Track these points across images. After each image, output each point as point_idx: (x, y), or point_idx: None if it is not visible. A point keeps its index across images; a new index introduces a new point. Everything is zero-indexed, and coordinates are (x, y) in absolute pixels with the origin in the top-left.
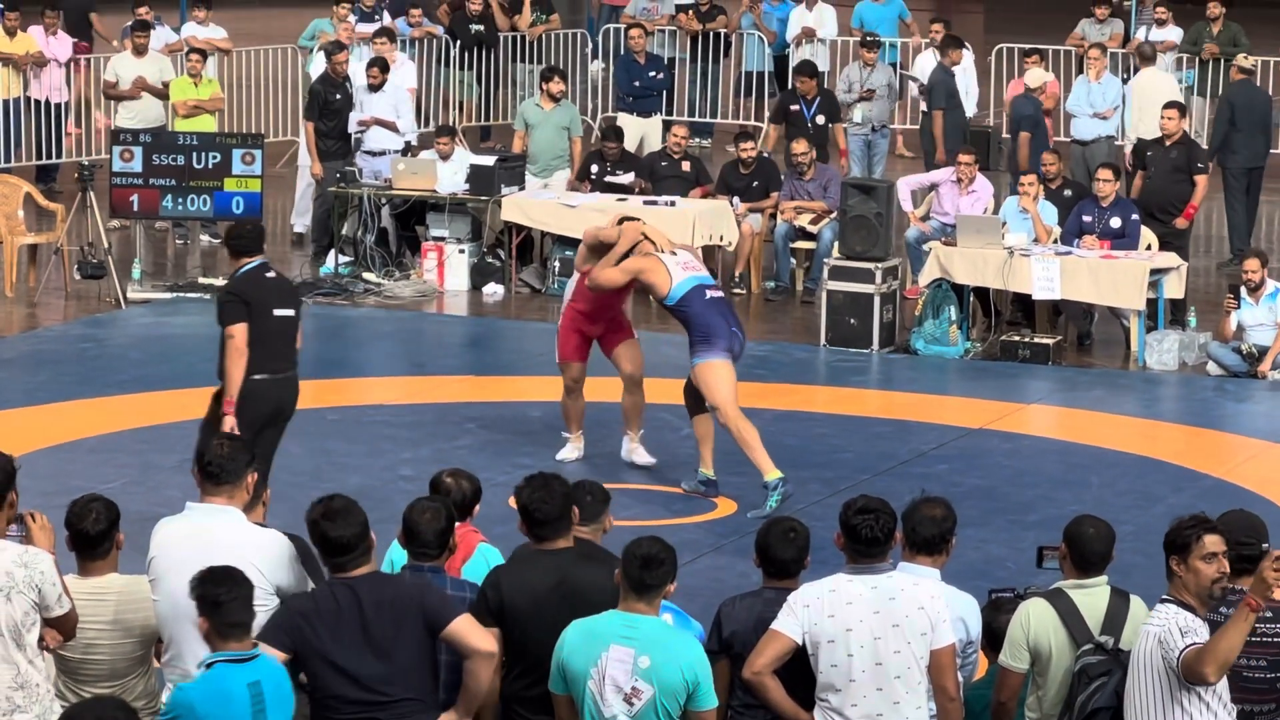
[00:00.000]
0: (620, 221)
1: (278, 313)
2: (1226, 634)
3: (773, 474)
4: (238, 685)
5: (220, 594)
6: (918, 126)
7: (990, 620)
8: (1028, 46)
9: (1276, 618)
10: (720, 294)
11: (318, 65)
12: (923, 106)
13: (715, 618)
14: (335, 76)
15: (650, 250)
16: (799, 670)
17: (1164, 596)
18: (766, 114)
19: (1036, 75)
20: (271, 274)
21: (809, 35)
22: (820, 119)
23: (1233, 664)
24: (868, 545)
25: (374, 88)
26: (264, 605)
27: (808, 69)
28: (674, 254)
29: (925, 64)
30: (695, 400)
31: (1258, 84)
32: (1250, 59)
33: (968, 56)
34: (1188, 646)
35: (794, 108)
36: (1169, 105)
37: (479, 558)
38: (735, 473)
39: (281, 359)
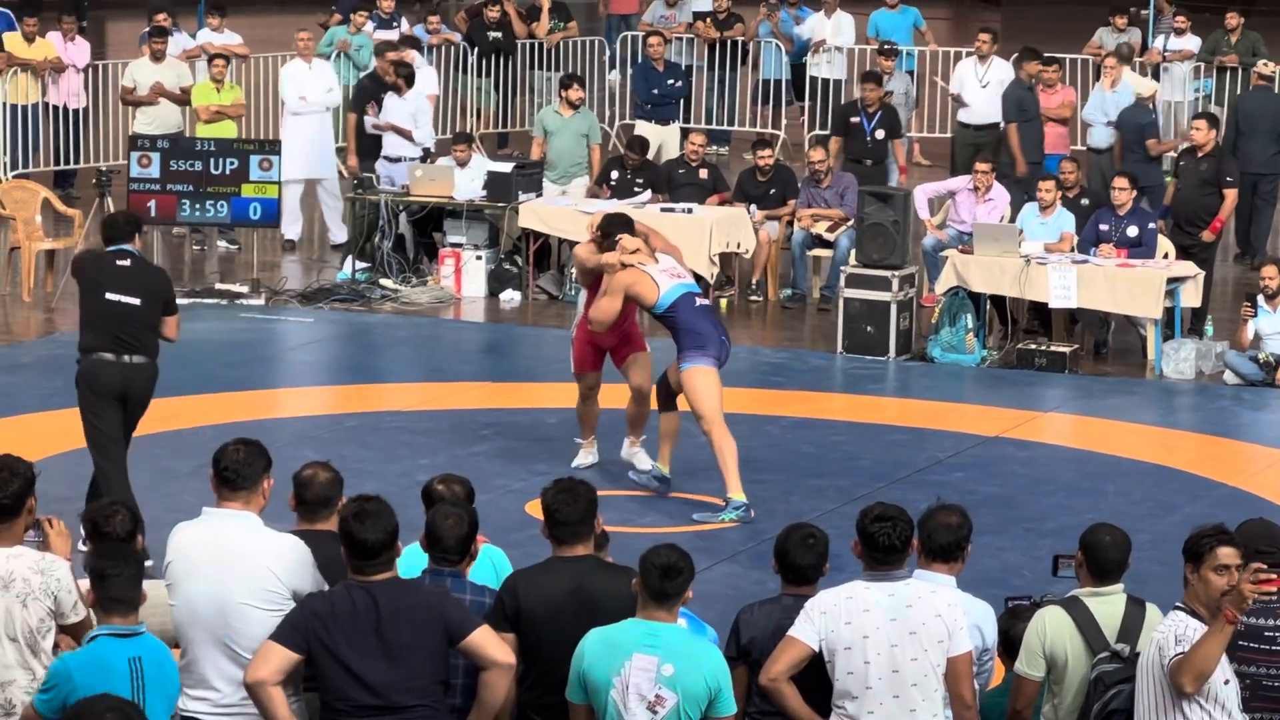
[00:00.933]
0: (601, 224)
1: (110, 296)
2: (1204, 645)
3: (739, 495)
4: (117, 658)
5: (106, 568)
6: (935, 134)
7: (1007, 628)
8: (1045, 55)
9: None
10: (707, 301)
11: (313, 74)
12: (961, 116)
13: (734, 624)
14: (383, 75)
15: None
16: (816, 677)
17: (1177, 604)
18: (784, 120)
19: (1148, 84)
20: (125, 262)
21: (814, 32)
22: (880, 133)
23: (1237, 672)
24: (885, 553)
25: (391, 85)
26: (279, 610)
27: (875, 77)
28: (656, 261)
29: (964, 72)
30: (667, 397)
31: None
32: (1271, 66)
33: (1003, 66)
34: (1175, 655)
35: (854, 120)
36: (1198, 116)
37: (484, 559)
38: (752, 480)
39: (121, 343)
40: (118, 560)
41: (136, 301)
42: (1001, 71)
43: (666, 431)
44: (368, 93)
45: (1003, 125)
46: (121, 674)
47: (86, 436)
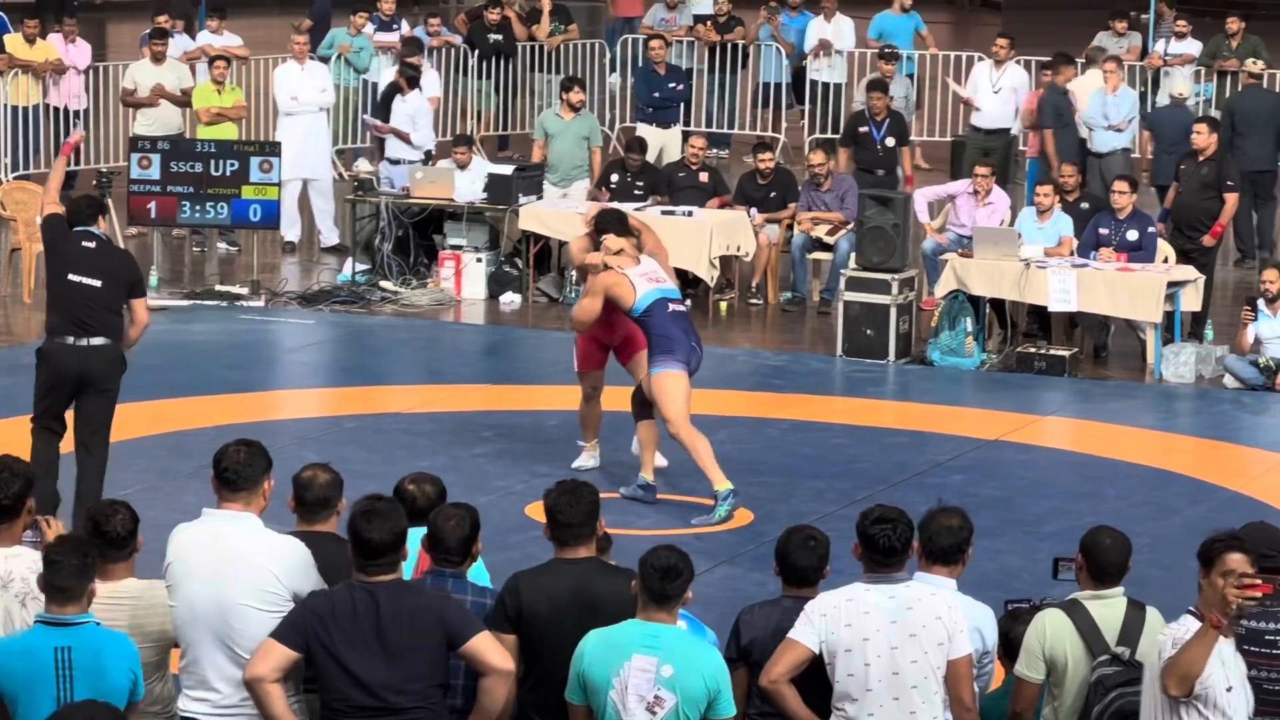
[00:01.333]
0: (595, 219)
1: (72, 277)
2: (1188, 648)
3: (723, 484)
4: (44, 646)
5: (53, 553)
6: (936, 138)
7: (1006, 630)
8: (1045, 58)
9: None
10: (683, 308)
11: (306, 74)
12: (973, 119)
13: (734, 626)
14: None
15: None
16: (816, 679)
17: (1190, 608)
18: (784, 124)
19: (1184, 84)
20: (90, 244)
21: (826, 48)
22: (890, 141)
23: (1199, 677)
24: (885, 555)
25: (398, 88)
26: (279, 611)
27: (880, 85)
28: (638, 262)
29: (978, 76)
30: (641, 406)
31: (1274, 91)
32: (1259, 64)
33: (1016, 72)
34: (1168, 658)
35: (863, 129)
36: (1199, 120)
37: None
38: (752, 482)
39: (81, 325)
40: (68, 549)
41: (97, 284)
42: (1014, 77)
43: (646, 440)
44: (387, 99)
45: (1014, 131)
46: (45, 663)
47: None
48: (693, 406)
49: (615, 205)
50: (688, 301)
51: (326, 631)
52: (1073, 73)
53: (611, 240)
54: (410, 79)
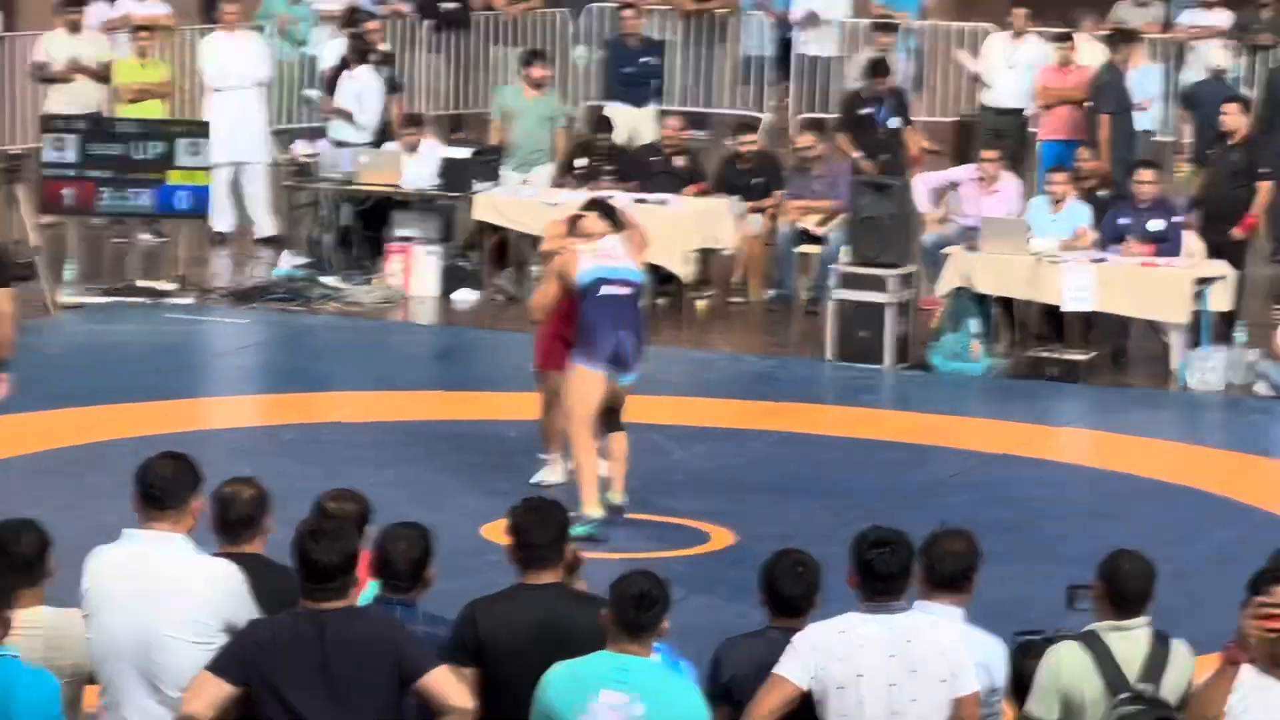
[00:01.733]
0: (583, 204)
1: None
2: (1205, 686)
3: (594, 510)
4: None
5: None
6: (936, 118)
7: (1017, 666)
8: (1059, 31)
9: None
10: (620, 290)
11: (237, 46)
12: (983, 98)
13: (713, 659)
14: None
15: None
16: (805, 719)
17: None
18: (769, 102)
19: (1222, 55)
20: None
21: (814, 19)
22: (893, 122)
23: (1218, 717)
24: (883, 582)
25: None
26: (209, 643)
27: (882, 68)
28: (604, 239)
29: (992, 50)
30: (607, 412)
31: None
32: None
33: (1036, 47)
34: None
35: (863, 111)
36: (1227, 100)
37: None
38: (735, 501)
39: None
40: None
41: None
42: (1032, 52)
43: (614, 455)
44: (336, 75)
45: (1028, 111)
46: None
47: None
48: (670, 418)
49: (585, 194)
50: (663, 301)
51: (267, 661)
52: (1130, 50)
53: (589, 222)
54: (360, 53)
